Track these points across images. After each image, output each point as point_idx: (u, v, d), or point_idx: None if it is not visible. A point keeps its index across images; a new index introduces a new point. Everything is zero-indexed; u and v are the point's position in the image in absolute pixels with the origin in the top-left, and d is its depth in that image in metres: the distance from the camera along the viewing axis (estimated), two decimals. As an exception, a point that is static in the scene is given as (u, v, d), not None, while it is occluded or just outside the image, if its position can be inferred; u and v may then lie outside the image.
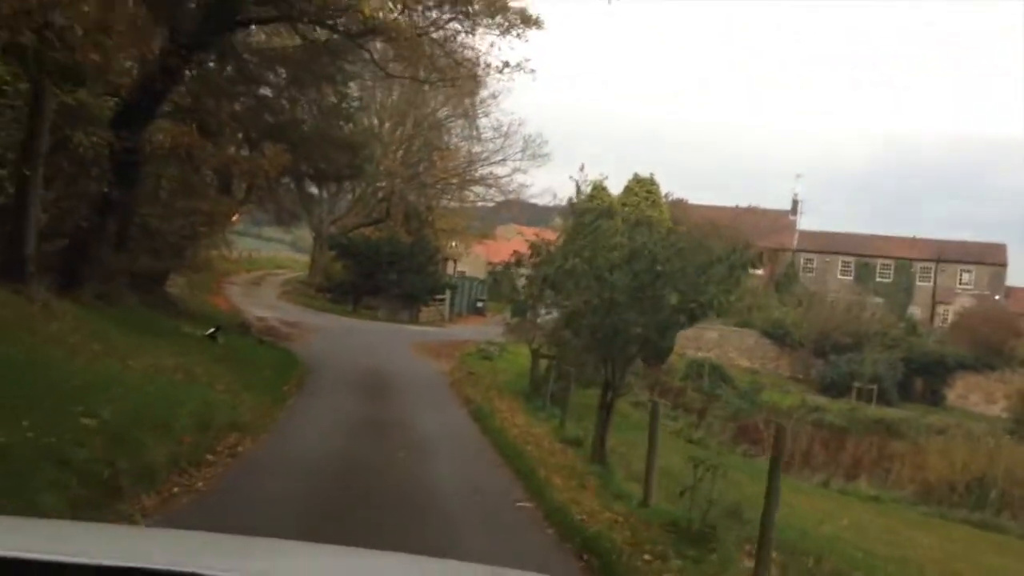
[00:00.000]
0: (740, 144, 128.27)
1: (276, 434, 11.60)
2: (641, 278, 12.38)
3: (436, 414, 15.02)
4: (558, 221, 58.33)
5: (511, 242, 73.01)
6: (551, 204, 55.35)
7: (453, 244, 51.70)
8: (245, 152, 27.32)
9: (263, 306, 36.55)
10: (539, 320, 27.16)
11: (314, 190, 40.75)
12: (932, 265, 63.84)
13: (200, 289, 36.15)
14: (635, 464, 11.80)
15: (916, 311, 61.18)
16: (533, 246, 15.44)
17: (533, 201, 45.63)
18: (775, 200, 72.72)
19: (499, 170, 44.46)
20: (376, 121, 45.02)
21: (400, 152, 42.85)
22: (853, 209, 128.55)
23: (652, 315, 12.69)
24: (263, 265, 55.98)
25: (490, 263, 75.24)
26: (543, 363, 19.44)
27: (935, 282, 63.46)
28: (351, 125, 29.22)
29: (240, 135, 26.45)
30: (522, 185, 44.95)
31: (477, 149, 45.04)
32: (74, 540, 2.09)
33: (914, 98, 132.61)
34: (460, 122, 45.73)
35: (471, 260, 59.47)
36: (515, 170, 44.50)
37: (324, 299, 41.35)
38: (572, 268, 13.79)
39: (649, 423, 10.42)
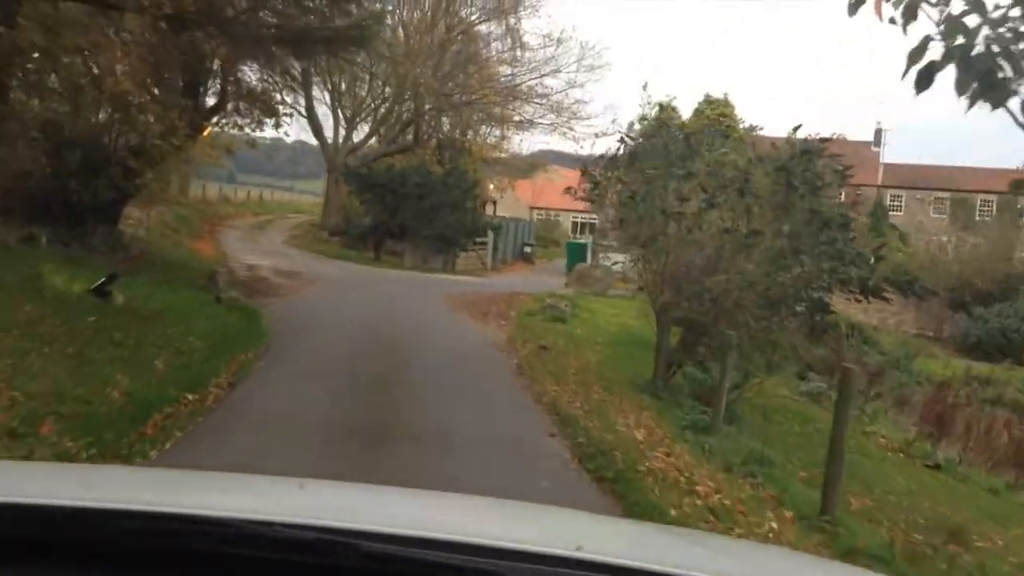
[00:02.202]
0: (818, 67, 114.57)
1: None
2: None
3: (503, 456, 7.32)
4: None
5: (554, 184, 65.04)
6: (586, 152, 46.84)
7: (492, 185, 43.67)
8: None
9: (261, 253, 29.03)
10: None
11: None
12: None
13: (181, 231, 28.66)
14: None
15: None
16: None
17: (588, 126, 37.34)
18: (856, 131, 63.60)
19: (551, 82, 36.19)
20: (401, 33, 36.93)
21: (430, 64, 34.76)
22: (941, 139, 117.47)
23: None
24: (276, 209, 48.44)
25: (533, 207, 67.33)
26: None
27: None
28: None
29: None
30: (579, 102, 36.64)
31: (523, 57, 36.72)
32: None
33: None
34: (498, 29, 37.41)
35: (510, 203, 51.42)
36: (570, 83, 36.25)
37: (339, 244, 33.69)
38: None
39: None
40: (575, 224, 74.04)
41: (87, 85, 19.45)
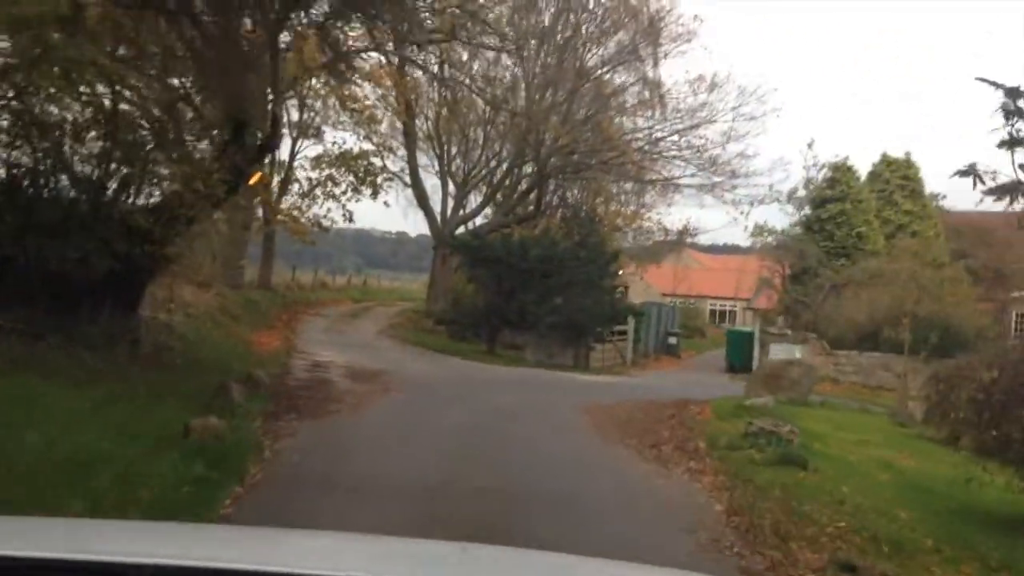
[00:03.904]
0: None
1: None
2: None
3: None
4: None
5: (686, 271, 57.51)
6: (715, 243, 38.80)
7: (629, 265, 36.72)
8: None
9: (343, 346, 22.85)
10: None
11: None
12: None
13: (242, 319, 22.82)
14: None
15: None
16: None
17: (752, 185, 30.03)
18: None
19: (703, 133, 29.24)
20: (522, 86, 31.12)
21: (555, 118, 28.56)
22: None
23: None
24: (380, 296, 42.83)
25: (666, 294, 59.56)
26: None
27: None
28: None
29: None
30: (741, 156, 29.49)
31: (667, 107, 29.97)
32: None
33: None
34: (634, 76, 30.98)
35: (640, 290, 44.29)
36: (728, 135, 29.27)
37: (446, 335, 27.26)
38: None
39: None
40: (712, 312, 66.13)
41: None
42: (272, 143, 15.95)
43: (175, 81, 16.01)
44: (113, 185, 15.95)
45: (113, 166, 15.62)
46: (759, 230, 37.03)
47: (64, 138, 15.00)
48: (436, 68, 31.37)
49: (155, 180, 15.66)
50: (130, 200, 15.84)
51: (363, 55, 27.23)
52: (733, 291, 64.03)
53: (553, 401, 15.89)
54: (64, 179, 15.32)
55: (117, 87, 14.95)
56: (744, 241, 44.94)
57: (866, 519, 7.24)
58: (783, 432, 10.68)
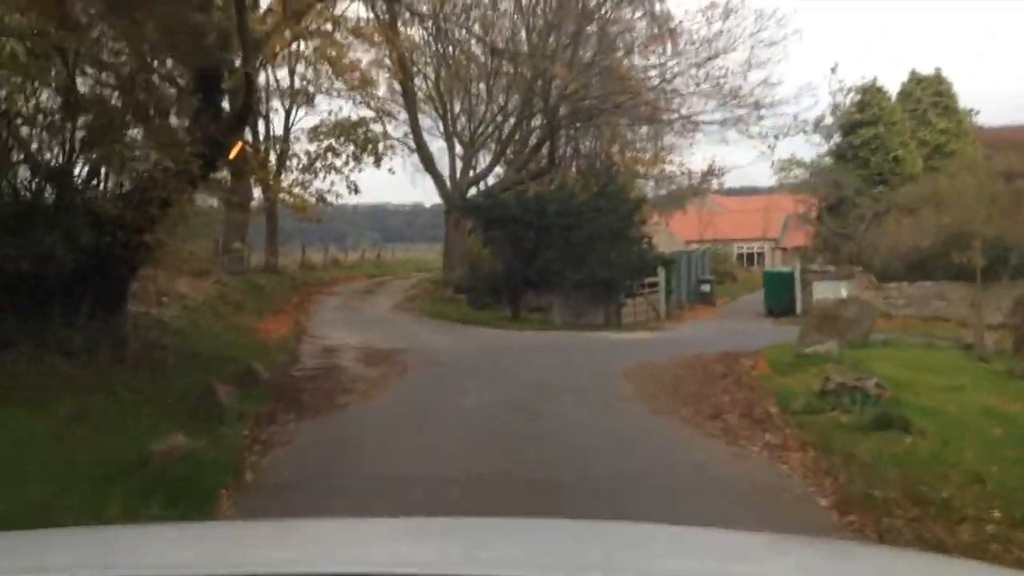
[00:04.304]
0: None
1: None
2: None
3: None
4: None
5: (710, 215, 55.20)
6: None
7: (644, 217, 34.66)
8: None
9: (357, 325, 21.30)
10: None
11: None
12: None
13: (246, 306, 21.30)
14: None
15: None
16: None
17: (778, 114, 27.85)
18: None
19: (721, 64, 27.07)
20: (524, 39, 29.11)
21: (561, 62, 26.53)
22: None
23: None
24: (395, 269, 41.19)
25: (690, 241, 57.30)
26: None
27: None
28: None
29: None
30: (765, 84, 27.25)
31: (681, 39, 27.80)
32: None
33: None
34: (641, 10, 28.78)
35: (663, 239, 42.26)
36: (748, 63, 27.11)
37: (466, 303, 25.60)
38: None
39: None
40: (739, 256, 64.05)
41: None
42: (249, 108, 14.18)
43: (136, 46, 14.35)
44: (81, 172, 14.38)
45: (78, 150, 14.08)
46: (787, 164, 34.94)
47: (19, 122, 13.46)
48: (430, 24, 29.48)
49: (124, 162, 14.01)
50: (100, 186, 14.30)
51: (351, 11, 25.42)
52: (761, 232, 61.94)
53: (588, 367, 14.21)
54: (25, 169, 13.80)
55: (72, 58, 13.34)
56: (767, 180, 42.68)
57: (1020, 501, 5.53)
58: (868, 387, 8.94)
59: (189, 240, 17.12)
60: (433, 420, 9.50)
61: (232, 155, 15.18)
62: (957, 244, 21.23)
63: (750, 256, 65.07)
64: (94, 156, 14.15)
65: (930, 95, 37.21)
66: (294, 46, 28.17)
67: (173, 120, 14.68)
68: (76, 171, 14.09)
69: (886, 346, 15.88)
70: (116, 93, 14.50)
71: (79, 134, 13.89)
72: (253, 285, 23.42)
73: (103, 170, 14.32)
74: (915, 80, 37.68)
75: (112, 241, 12.66)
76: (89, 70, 14.32)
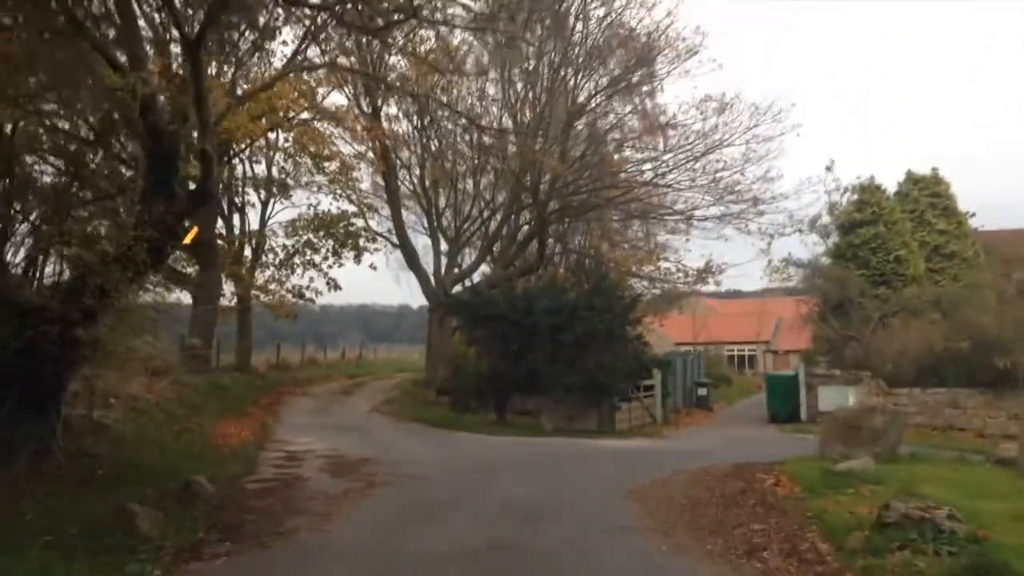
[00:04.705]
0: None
1: None
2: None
3: None
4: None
5: (702, 317, 53.82)
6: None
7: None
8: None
9: (330, 429, 19.42)
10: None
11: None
12: None
13: (206, 408, 19.44)
14: None
15: None
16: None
17: (778, 209, 26.67)
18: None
19: (718, 156, 25.94)
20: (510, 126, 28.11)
21: (551, 157, 25.41)
22: None
23: None
24: (377, 369, 39.26)
25: (679, 343, 55.63)
26: None
27: None
28: None
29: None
30: (764, 179, 26.14)
31: (675, 134, 26.81)
32: None
33: None
34: (632, 106, 27.94)
35: (653, 340, 40.76)
36: (746, 157, 26.06)
37: (448, 406, 23.74)
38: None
39: None
40: (730, 358, 62.61)
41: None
42: (207, 191, 12.67)
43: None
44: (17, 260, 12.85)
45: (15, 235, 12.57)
46: (782, 265, 33.63)
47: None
48: (414, 114, 28.54)
49: (63, 247, 12.46)
50: (35, 276, 12.71)
51: (333, 103, 24.38)
52: (754, 334, 60.69)
53: (586, 483, 12.38)
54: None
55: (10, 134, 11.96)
56: (753, 283, 41.11)
57: None
58: (939, 518, 7.20)
59: (141, 336, 15.37)
60: (394, 564, 7.62)
61: (187, 240, 13.59)
62: (986, 348, 19.71)
63: (740, 358, 63.70)
64: (31, 242, 12.66)
65: (927, 195, 36.41)
66: (272, 136, 27.10)
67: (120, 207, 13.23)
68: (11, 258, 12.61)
69: (915, 461, 14.14)
70: (62, 176, 13.13)
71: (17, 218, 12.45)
72: (217, 386, 21.54)
73: (40, 258, 12.81)
74: (911, 179, 36.94)
75: (35, 335, 10.91)
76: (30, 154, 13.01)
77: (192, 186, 13.01)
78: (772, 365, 61.86)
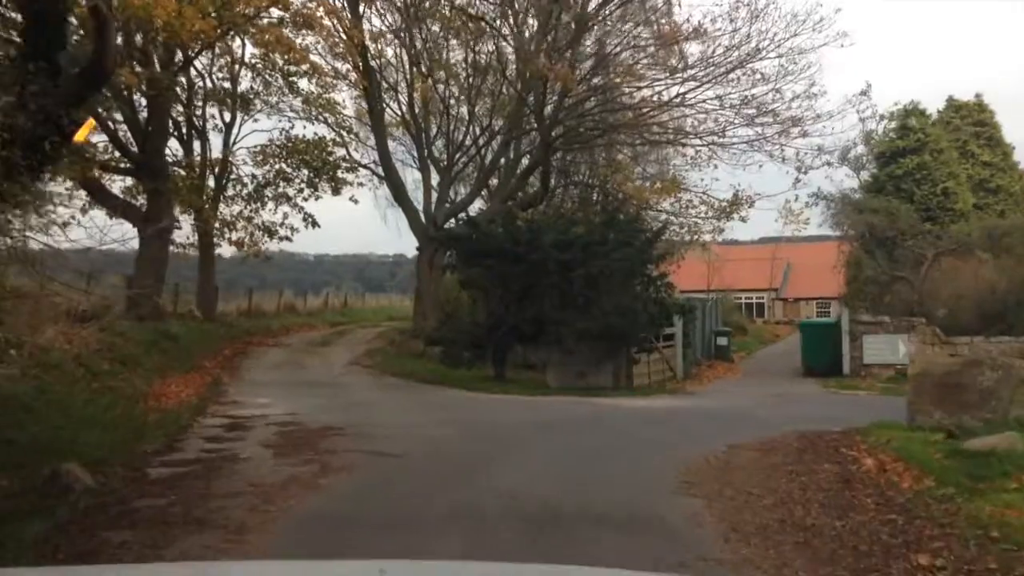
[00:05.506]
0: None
1: None
2: None
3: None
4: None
5: (714, 263, 50.27)
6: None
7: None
8: None
9: (295, 386, 16.24)
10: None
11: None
12: None
13: (145, 361, 16.20)
14: None
15: None
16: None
17: (824, 128, 23.06)
18: None
19: (753, 71, 22.30)
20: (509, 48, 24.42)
21: (557, 67, 21.77)
22: None
23: None
24: (365, 317, 35.99)
25: (686, 291, 52.39)
26: None
27: None
28: None
29: None
30: (807, 95, 22.46)
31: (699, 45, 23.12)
32: None
33: None
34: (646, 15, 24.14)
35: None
36: (781, 71, 22.46)
37: (439, 358, 20.48)
38: None
39: None
40: (738, 306, 59.45)
41: None
42: (101, 66, 9.19)
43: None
44: None
45: None
46: (812, 201, 30.05)
47: None
48: (401, 22, 24.87)
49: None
50: None
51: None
52: (767, 281, 57.65)
53: (617, 468, 9.11)
54: None
55: None
56: (752, 232, 37.46)
57: None
58: None
59: (58, 276, 11.98)
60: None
61: (79, 136, 10.13)
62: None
63: (749, 306, 60.69)
64: None
65: (970, 124, 32.88)
66: (236, 47, 23.48)
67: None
68: None
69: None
70: None
71: None
72: (164, 335, 18.24)
73: None
74: (953, 107, 33.36)
75: None
76: None
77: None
78: (783, 313, 58.94)
